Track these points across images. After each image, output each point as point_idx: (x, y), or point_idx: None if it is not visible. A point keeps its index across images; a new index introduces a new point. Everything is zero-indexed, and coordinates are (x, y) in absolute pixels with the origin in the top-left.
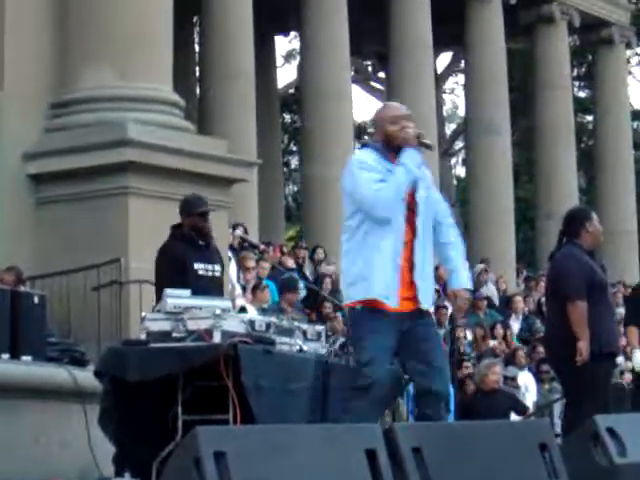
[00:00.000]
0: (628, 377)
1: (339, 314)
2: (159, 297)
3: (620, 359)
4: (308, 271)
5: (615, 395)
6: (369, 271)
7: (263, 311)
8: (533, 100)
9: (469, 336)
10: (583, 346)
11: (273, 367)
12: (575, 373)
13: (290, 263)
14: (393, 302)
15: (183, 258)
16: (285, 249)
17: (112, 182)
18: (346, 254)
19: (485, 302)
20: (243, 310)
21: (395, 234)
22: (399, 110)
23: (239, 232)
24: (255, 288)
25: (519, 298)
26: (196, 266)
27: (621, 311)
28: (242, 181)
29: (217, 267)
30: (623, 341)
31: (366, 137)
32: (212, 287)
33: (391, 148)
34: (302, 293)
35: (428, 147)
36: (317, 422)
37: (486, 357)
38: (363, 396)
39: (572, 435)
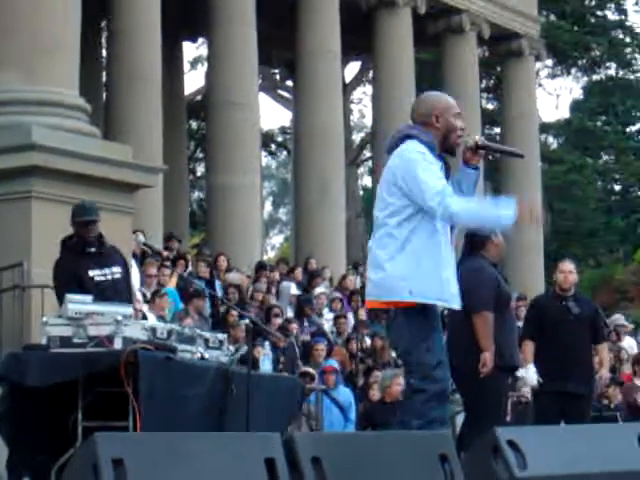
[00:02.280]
0: (526, 390)
1: (242, 323)
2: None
3: (521, 372)
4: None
5: (517, 408)
6: (439, 271)
7: (162, 319)
8: None
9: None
10: (488, 357)
11: (173, 374)
12: (477, 385)
13: (203, 271)
14: (457, 304)
15: (75, 269)
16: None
17: (16, 186)
18: (400, 251)
19: None
20: (144, 317)
21: (445, 235)
22: (457, 106)
23: (141, 239)
24: (154, 295)
25: None
26: (91, 273)
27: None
28: (147, 187)
29: (115, 269)
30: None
31: (272, 145)
32: (115, 290)
33: (444, 142)
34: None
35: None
36: (216, 430)
37: (388, 367)
38: (440, 402)
39: (473, 447)
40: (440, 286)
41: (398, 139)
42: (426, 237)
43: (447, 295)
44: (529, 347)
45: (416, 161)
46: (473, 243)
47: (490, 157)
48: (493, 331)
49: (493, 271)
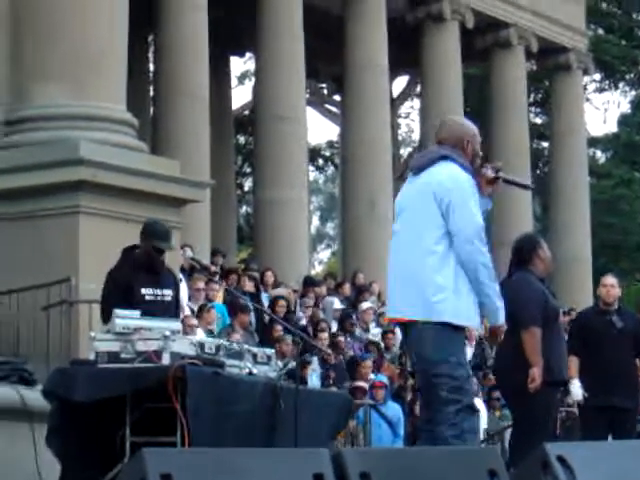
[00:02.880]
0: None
1: (288, 337)
2: (104, 318)
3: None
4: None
5: (565, 424)
6: (471, 298)
7: (210, 333)
8: (489, 125)
9: None
10: (537, 373)
11: (221, 389)
12: (527, 400)
13: (248, 286)
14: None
15: (130, 283)
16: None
17: (63, 201)
18: (441, 267)
19: None
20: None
21: None
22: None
23: (190, 253)
24: (201, 309)
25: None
26: (143, 291)
27: None
28: (194, 202)
29: (167, 291)
30: None
31: (320, 159)
32: (161, 312)
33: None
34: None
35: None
36: (265, 445)
37: None
38: (470, 414)
39: (522, 462)
40: (474, 307)
41: (434, 159)
42: (453, 261)
43: (476, 317)
44: (573, 362)
45: (468, 188)
46: (520, 258)
47: (538, 171)
48: (541, 346)
49: (540, 286)
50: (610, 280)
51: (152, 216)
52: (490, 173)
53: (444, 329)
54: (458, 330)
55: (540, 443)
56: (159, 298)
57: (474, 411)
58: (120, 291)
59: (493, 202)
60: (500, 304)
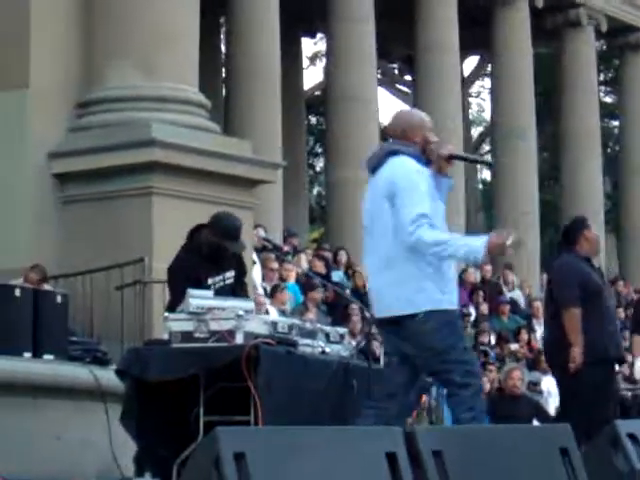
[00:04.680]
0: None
1: (359, 317)
2: (173, 302)
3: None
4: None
5: (637, 402)
6: (449, 281)
7: (283, 313)
8: (559, 105)
9: (492, 340)
10: (576, 353)
11: (294, 368)
12: (572, 380)
13: (319, 267)
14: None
15: (197, 275)
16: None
17: (136, 182)
18: (411, 259)
19: (508, 307)
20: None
21: None
22: (430, 121)
23: (262, 233)
24: (275, 289)
25: (539, 303)
26: (210, 281)
27: None
28: (267, 182)
29: (228, 274)
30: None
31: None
32: (224, 294)
33: (425, 156)
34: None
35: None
36: (337, 424)
37: (509, 361)
38: (480, 396)
39: (593, 440)
40: (455, 292)
41: (382, 156)
42: None
43: (456, 299)
44: (637, 342)
45: (411, 175)
46: (567, 238)
47: (608, 150)
48: (585, 325)
49: (582, 266)
50: None
51: (225, 196)
52: (445, 152)
53: (440, 317)
54: (451, 314)
55: (590, 423)
56: (222, 283)
57: (480, 389)
58: (188, 283)
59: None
60: (463, 244)
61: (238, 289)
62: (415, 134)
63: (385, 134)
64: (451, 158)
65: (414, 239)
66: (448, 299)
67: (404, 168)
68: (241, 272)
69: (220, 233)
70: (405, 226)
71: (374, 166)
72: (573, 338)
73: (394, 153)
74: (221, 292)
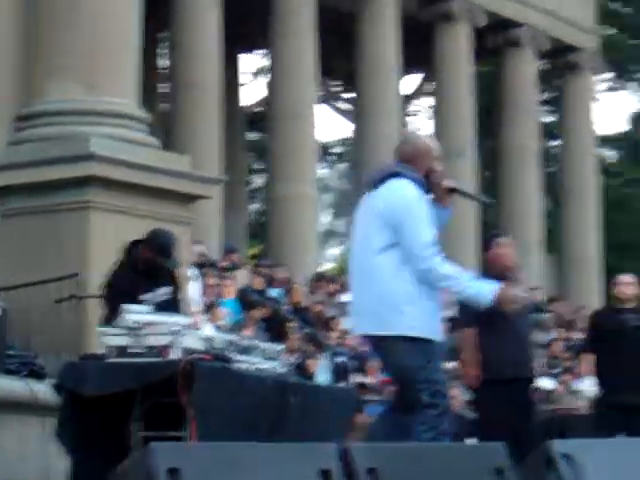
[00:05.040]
0: (581, 403)
1: (298, 333)
2: (108, 317)
3: (578, 385)
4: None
5: (572, 421)
6: (428, 309)
7: (220, 329)
8: (499, 123)
9: None
10: (468, 372)
11: (230, 384)
12: (472, 399)
13: (258, 283)
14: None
15: (131, 291)
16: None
17: (74, 196)
18: (394, 282)
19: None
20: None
21: None
22: (438, 150)
23: (200, 249)
24: (211, 306)
25: None
26: (145, 296)
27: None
28: (205, 197)
29: (163, 290)
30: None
31: (332, 156)
32: (159, 310)
33: (426, 183)
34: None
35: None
36: (273, 441)
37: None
38: (447, 416)
39: (527, 460)
40: (432, 320)
41: (386, 176)
42: (409, 274)
43: (439, 331)
44: (587, 360)
45: (414, 204)
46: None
47: (548, 169)
48: (484, 345)
49: None
50: (624, 279)
51: (163, 212)
52: (446, 184)
53: (412, 341)
54: (425, 341)
55: (488, 441)
56: (157, 299)
57: (449, 413)
58: (122, 299)
59: (498, 199)
60: (472, 286)
61: (172, 305)
62: (421, 160)
63: (395, 155)
64: (452, 191)
65: (428, 267)
66: (423, 327)
67: (407, 194)
68: (175, 288)
69: (155, 249)
70: (418, 252)
71: (373, 183)
72: (466, 356)
73: (396, 175)
74: (156, 308)
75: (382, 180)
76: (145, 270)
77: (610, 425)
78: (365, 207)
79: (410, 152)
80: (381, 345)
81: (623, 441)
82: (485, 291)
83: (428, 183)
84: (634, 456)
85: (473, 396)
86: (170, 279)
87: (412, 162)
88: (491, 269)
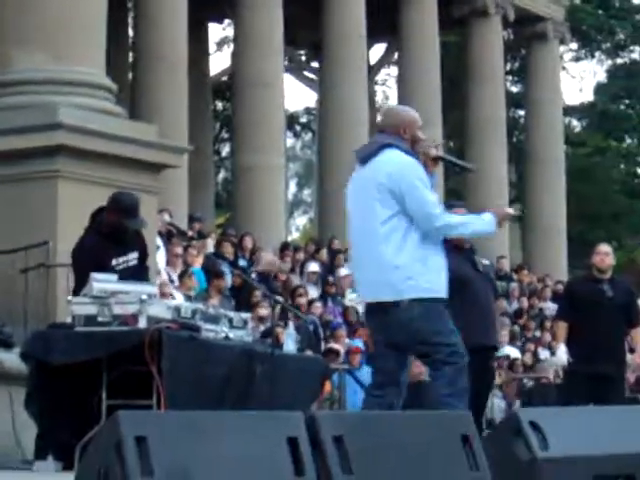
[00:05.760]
0: (551, 371)
1: (266, 302)
2: (77, 285)
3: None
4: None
5: (540, 390)
6: (438, 270)
7: (189, 298)
8: (465, 93)
9: None
10: None
11: (197, 353)
12: None
13: (228, 252)
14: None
15: (101, 256)
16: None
17: (42, 165)
18: (402, 248)
19: None
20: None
21: None
22: (420, 120)
23: (167, 218)
24: (182, 275)
25: None
26: (114, 262)
27: (550, 306)
28: (172, 167)
29: (132, 255)
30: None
31: (297, 126)
32: (129, 277)
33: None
34: (228, 279)
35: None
36: (240, 409)
37: None
38: (465, 375)
39: (495, 428)
40: (443, 281)
41: (377, 148)
42: (423, 236)
43: (445, 289)
44: (561, 328)
45: (413, 171)
46: None
47: (514, 139)
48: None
49: (450, 256)
50: (604, 248)
51: (130, 181)
52: (433, 152)
53: (425, 304)
54: (437, 301)
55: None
56: (126, 264)
57: (464, 368)
58: (92, 264)
59: (466, 170)
60: (476, 223)
61: (140, 273)
62: (406, 130)
63: (381, 130)
64: (437, 159)
65: (442, 223)
66: (435, 288)
67: (404, 161)
68: (143, 255)
69: (118, 211)
70: (430, 213)
71: (365, 157)
72: None
73: (388, 146)
74: (124, 273)
75: (374, 153)
76: (111, 234)
77: (581, 394)
78: (360, 180)
79: (395, 124)
80: (394, 311)
81: (590, 409)
82: (487, 222)
83: (414, 152)
84: (600, 424)
85: None
86: (138, 245)
87: (398, 133)
88: (454, 241)
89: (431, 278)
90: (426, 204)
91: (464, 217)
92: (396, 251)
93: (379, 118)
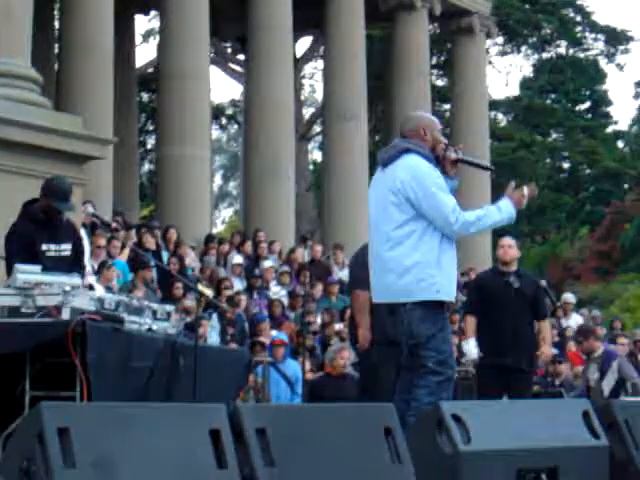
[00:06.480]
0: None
1: (190, 295)
2: (9, 272)
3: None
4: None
5: (463, 383)
6: (454, 269)
7: (110, 290)
8: (391, 87)
9: (319, 320)
10: (360, 333)
11: (121, 345)
12: (361, 357)
13: (150, 243)
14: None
15: (32, 239)
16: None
17: None
18: (414, 251)
19: (337, 287)
20: (91, 288)
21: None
22: (439, 124)
23: (91, 210)
24: (101, 266)
25: None
26: (44, 247)
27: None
28: (97, 158)
29: (65, 246)
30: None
31: (223, 118)
32: (60, 266)
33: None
34: (153, 271)
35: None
36: (164, 401)
37: (336, 341)
38: (450, 386)
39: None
40: (454, 284)
41: (397, 153)
42: (438, 239)
43: (454, 291)
44: (470, 322)
45: (428, 177)
46: None
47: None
48: (372, 307)
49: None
50: (508, 241)
51: (54, 172)
52: (453, 155)
53: (427, 307)
54: (440, 306)
55: (373, 400)
56: (58, 254)
57: (452, 384)
58: (23, 247)
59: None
60: (495, 214)
61: (75, 265)
62: (426, 132)
63: (403, 135)
64: (457, 161)
65: (460, 224)
66: (443, 291)
67: (421, 167)
68: (78, 249)
69: (50, 194)
70: (447, 217)
71: (388, 160)
72: (358, 319)
73: (407, 151)
74: (56, 262)
75: (393, 158)
76: (42, 218)
77: (493, 387)
78: (379, 184)
79: (415, 127)
80: (399, 312)
81: (508, 403)
82: (505, 210)
83: (435, 156)
84: (522, 418)
85: (362, 357)
86: (74, 238)
87: (419, 136)
88: None
89: (442, 281)
90: (443, 209)
91: (481, 211)
92: (408, 254)
93: (401, 123)
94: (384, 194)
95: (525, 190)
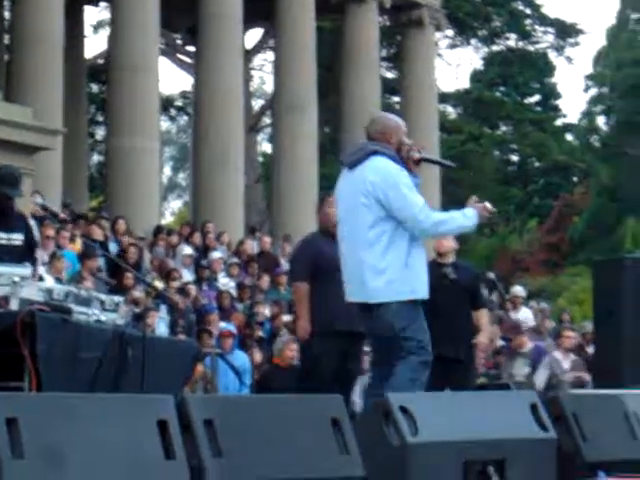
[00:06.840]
0: None
1: (140, 285)
2: None
3: None
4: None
5: None
6: (421, 272)
7: (59, 281)
8: (341, 79)
9: (268, 312)
10: (300, 325)
11: (70, 336)
12: (302, 349)
13: (98, 234)
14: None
15: None
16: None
17: None
18: (386, 252)
19: (285, 278)
20: (41, 279)
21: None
22: (405, 126)
23: (39, 200)
24: (52, 257)
25: None
26: None
27: None
28: (46, 149)
29: (16, 235)
30: None
31: (173, 110)
32: (11, 256)
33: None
34: (101, 261)
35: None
36: (112, 392)
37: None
38: (427, 370)
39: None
40: (426, 282)
41: (364, 155)
42: (408, 239)
43: (427, 289)
44: None
45: (398, 178)
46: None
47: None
48: (314, 299)
49: (317, 242)
50: None
51: (4, 162)
52: (417, 155)
53: (401, 304)
54: (413, 302)
55: (311, 390)
56: (9, 242)
57: (427, 364)
58: None
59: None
60: (457, 219)
61: (27, 256)
62: (392, 136)
63: (369, 137)
64: (420, 161)
65: (430, 224)
66: (415, 289)
67: (389, 169)
68: (30, 239)
69: (1, 179)
70: (415, 217)
71: (353, 162)
72: (298, 311)
73: (375, 153)
74: (6, 251)
75: (361, 159)
76: None
77: (431, 377)
78: (348, 185)
79: (382, 131)
80: (372, 310)
81: (455, 395)
82: (470, 217)
83: (400, 156)
84: (469, 410)
85: (303, 348)
86: (25, 229)
87: (384, 139)
88: (322, 227)
89: (412, 281)
90: (413, 209)
91: (448, 214)
92: (381, 255)
93: (367, 125)
94: (354, 195)
95: (487, 204)
